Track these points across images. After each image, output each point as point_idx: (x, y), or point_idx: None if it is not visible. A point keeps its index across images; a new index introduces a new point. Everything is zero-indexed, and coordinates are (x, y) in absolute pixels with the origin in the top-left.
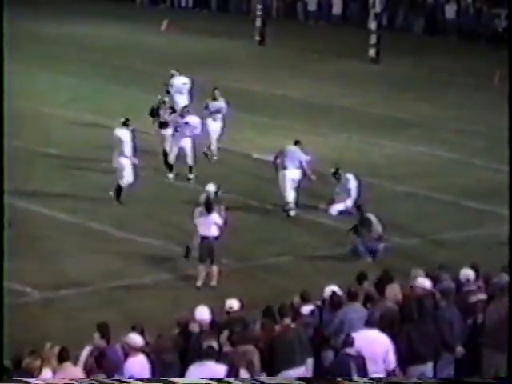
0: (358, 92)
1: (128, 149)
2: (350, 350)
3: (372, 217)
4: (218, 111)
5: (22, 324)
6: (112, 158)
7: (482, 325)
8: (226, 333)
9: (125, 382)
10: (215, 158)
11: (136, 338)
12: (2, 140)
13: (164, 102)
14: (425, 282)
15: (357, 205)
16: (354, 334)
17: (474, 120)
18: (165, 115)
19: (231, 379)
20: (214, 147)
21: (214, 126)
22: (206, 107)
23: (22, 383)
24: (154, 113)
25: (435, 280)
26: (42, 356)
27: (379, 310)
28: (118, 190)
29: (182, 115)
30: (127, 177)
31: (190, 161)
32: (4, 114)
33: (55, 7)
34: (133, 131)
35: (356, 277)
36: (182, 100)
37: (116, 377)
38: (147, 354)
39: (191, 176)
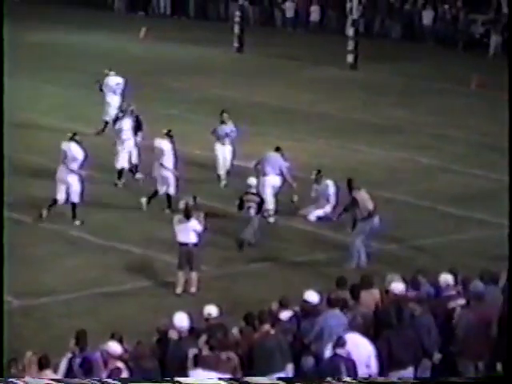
0: (336, 98)
1: (169, 159)
2: (341, 351)
3: (359, 193)
4: (226, 135)
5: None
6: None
7: (454, 332)
8: (203, 337)
9: (133, 382)
10: (224, 182)
11: (115, 346)
12: (2, 146)
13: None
14: (399, 286)
15: (348, 179)
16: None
17: (453, 125)
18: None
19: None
20: (222, 172)
21: (222, 151)
22: (214, 131)
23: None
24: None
25: (413, 285)
26: (24, 363)
27: (354, 315)
28: (153, 195)
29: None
30: (170, 186)
31: (134, 159)
32: None
33: (33, 15)
34: (173, 142)
35: (336, 282)
36: (114, 100)
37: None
38: (125, 362)
39: (138, 176)
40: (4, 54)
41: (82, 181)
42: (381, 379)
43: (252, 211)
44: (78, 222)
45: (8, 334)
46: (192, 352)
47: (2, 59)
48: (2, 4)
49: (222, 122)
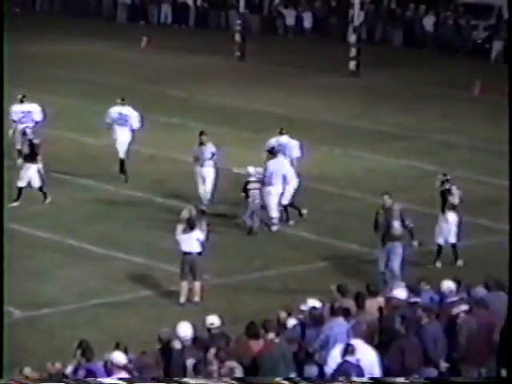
0: (338, 105)
1: None
2: (351, 358)
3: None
4: (208, 157)
5: (5, 343)
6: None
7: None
8: (212, 350)
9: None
10: (206, 204)
11: (120, 356)
12: (2, 148)
13: None
14: (402, 293)
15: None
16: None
17: (455, 131)
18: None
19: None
20: (202, 192)
21: (201, 174)
22: (193, 154)
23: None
24: None
25: (416, 293)
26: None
27: (358, 322)
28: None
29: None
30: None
31: None
32: None
33: (34, 25)
34: None
35: (337, 289)
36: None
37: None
38: (130, 372)
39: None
40: (3, 64)
41: None
42: (389, 379)
43: (256, 199)
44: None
45: (9, 341)
46: (191, 362)
47: (2, 69)
48: (2, 15)
49: (201, 144)
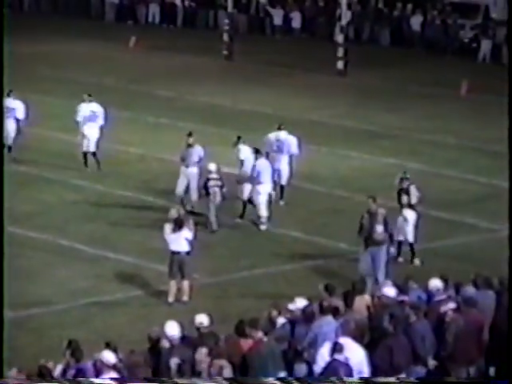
0: (326, 105)
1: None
2: (340, 357)
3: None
4: (195, 160)
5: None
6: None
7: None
8: (204, 350)
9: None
10: (194, 202)
11: (109, 356)
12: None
13: None
14: (390, 291)
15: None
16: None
17: (443, 131)
18: None
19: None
20: (180, 190)
21: (188, 173)
22: (181, 156)
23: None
24: None
25: (404, 291)
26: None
27: (347, 320)
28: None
29: None
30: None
31: None
32: None
33: (22, 25)
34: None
35: (325, 289)
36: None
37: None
38: (119, 371)
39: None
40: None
41: None
42: (381, 379)
43: (217, 196)
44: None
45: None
46: (174, 361)
47: (2, 70)
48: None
49: (189, 146)
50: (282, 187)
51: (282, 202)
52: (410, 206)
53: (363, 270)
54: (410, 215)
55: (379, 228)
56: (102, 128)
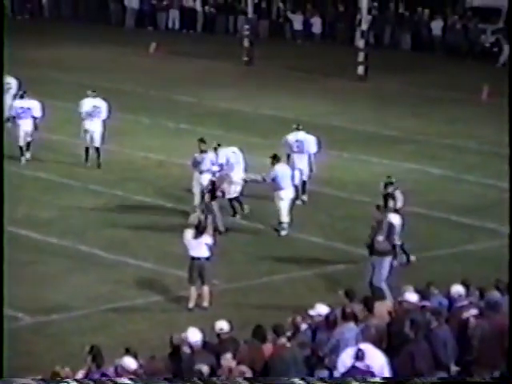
0: (347, 110)
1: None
2: (360, 364)
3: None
4: (208, 167)
5: (15, 349)
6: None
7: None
8: (228, 355)
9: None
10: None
11: (130, 362)
12: (2, 148)
13: None
14: (412, 297)
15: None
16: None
17: (464, 135)
18: None
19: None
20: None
21: (201, 180)
22: (194, 161)
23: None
24: None
25: (425, 297)
26: None
27: (367, 326)
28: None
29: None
30: None
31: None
32: None
33: (44, 31)
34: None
35: (344, 293)
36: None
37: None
38: (140, 377)
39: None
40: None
41: None
42: (401, 379)
43: (206, 196)
44: None
45: (18, 347)
46: (205, 369)
47: (2, 70)
48: (2, 20)
49: (202, 151)
50: (304, 182)
51: (304, 197)
52: (396, 211)
53: (367, 280)
54: (396, 219)
55: (380, 237)
56: (104, 122)
